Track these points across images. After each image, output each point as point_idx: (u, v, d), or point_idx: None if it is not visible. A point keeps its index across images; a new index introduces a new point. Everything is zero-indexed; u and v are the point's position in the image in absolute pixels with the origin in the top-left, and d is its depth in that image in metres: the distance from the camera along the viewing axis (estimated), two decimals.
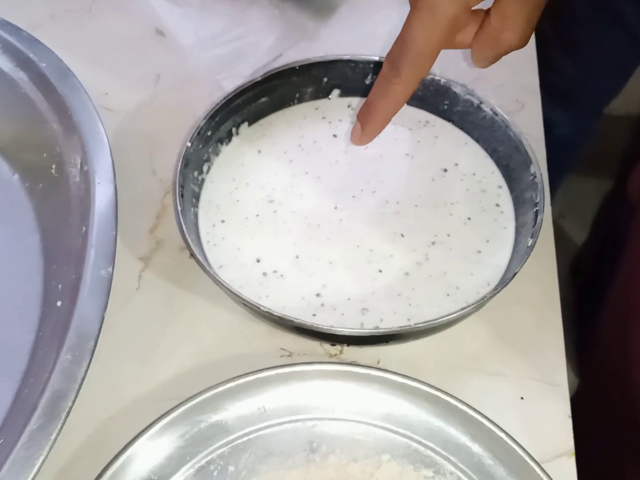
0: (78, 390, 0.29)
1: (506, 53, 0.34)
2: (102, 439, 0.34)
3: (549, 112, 0.83)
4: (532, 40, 0.53)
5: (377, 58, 0.44)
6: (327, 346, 0.37)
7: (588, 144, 1.02)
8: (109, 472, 0.31)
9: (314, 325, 0.34)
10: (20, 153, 0.43)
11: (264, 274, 0.38)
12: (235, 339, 0.37)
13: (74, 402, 0.29)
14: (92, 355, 0.30)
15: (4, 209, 0.42)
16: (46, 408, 0.28)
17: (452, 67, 0.47)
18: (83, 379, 0.29)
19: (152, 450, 0.32)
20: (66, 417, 0.28)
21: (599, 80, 0.79)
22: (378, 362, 0.37)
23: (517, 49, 0.34)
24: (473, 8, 0.32)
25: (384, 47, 0.47)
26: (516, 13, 0.32)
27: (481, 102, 0.43)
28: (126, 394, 0.35)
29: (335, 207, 0.41)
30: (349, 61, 0.44)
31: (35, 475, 0.28)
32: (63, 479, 0.33)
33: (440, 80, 0.44)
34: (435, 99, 0.45)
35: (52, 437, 0.28)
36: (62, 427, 0.28)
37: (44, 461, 0.27)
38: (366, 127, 0.36)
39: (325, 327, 0.34)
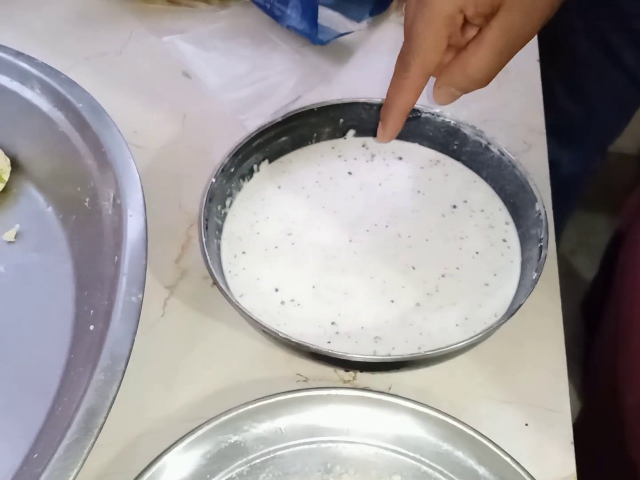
0: (110, 408, 0.31)
1: (466, 85, 0.37)
2: (129, 456, 0.36)
3: (555, 151, 0.86)
4: (538, 83, 0.55)
5: None
6: (341, 372, 0.39)
7: (594, 182, 1.04)
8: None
9: (329, 351, 0.36)
10: (55, 187, 0.46)
11: (282, 302, 0.41)
12: (255, 364, 0.40)
13: (105, 418, 0.31)
14: (123, 375, 0.32)
15: (38, 239, 0.45)
16: (81, 423, 0.31)
17: (463, 111, 0.49)
18: (115, 397, 0.31)
19: (176, 467, 0.34)
20: (99, 432, 0.30)
21: (602, 120, 0.81)
22: (390, 388, 0.39)
23: (479, 84, 0.37)
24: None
25: None
26: (493, 42, 0.35)
27: (489, 143, 0.45)
28: (151, 415, 0.37)
29: (350, 240, 0.44)
30: (364, 104, 0.47)
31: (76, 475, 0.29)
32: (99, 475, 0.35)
33: (450, 121, 0.47)
34: (446, 139, 0.47)
35: (86, 451, 0.30)
36: (95, 442, 0.30)
37: (78, 472, 0.29)
38: (386, 124, 0.40)
39: (339, 354, 0.36)
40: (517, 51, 0.37)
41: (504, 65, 0.37)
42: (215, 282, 0.39)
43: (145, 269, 0.36)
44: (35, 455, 0.33)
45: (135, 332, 0.33)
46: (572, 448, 0.36)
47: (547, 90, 0.56)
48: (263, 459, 0.36)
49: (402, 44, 0.38)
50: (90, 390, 0.31)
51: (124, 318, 0.34)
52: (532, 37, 0.37)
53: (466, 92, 0.39)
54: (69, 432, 0.30)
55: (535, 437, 0.37)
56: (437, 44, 0.36)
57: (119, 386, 0.32)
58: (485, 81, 0.37)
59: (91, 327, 0.36)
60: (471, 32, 0.37)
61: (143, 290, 0.35)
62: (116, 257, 0.36)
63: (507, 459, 0.34)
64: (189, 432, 0.35)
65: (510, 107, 0.54)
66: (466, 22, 0.36)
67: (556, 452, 0.36)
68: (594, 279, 1.19)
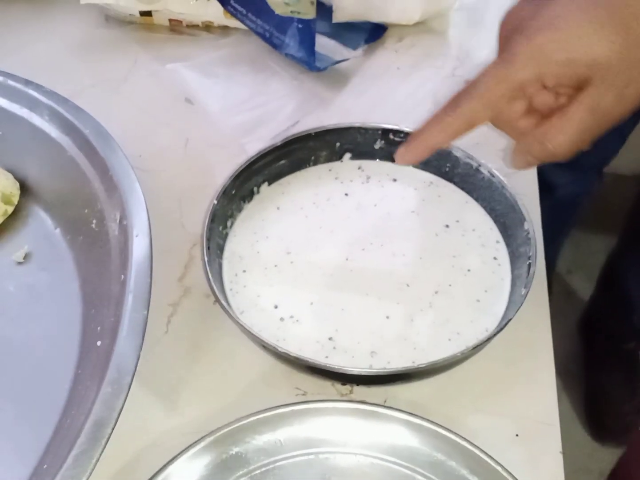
0: (117, 419, 0.33)
1: (544, 157, 0.35)
2: (134, 467, 0.37)
3: (552, 173, 0.88)
4: None
5: (384, 125, 0.49)
6: (338, 386, 0.41)
7: (591, 202, 1.06)
8: None
9: (327, 365, 0.38)
10: (63, 209, 0.48)
11: (282, 319, 0.42)
12: (255, 378, 0.41)
13: (113, 429, 0.32)
14: (129, 388, 0.34)
15: (46, 259, 0.46)
16: (89, 434, 0.32)
17: None
18: (121, 409, 0.33)
19: (180, 477, 0.36)
20: (106, 442, 0.32)
21: (599, 142, 0.83)
22: (385, 401, 0.40)
23: (557, 157, 0.35)
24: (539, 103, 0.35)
25: (390, 115, 0.52)
26: (578, 119, 0.33)
27: (479, 165, 0.47)
28: (155, 428, 0.39)
29: (347, 259, 0.45)
30: (359, 128, 0.49)
31: None
32: None
33: None
34: (439, 162, 0.49)
35: (94, 461, 0.31)
36: (103, 451, 0.31)
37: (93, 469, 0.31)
38: (411, 149, 0.38)
39: (336, 367, 0.38)
40: (604, 131, 0.35)
41: (587, 143, 0.35)
42: (217, 300, 0.41)
43: (151, 287, 0.37)
44: (44, 466, 0.34)
45: (140, 347, 0.35)
46: (561, 458, 0.38)
47: None
48: (263, 469, 0.37)
49: (468, 82, 0.36)
50: (98, 402, 0.33)
51: (130, 334, 0.35)
52: (622, 118, 0.35)
53: (543, 162, 0.37)
54: (77, 443, 0.32)
55: (526, 447, 0.38)
56: (494, 103, 0.35)
57: (126, 399, 0.33)
58: (564, 156, 0.35)
59: (98, 343, 0.37)
60: (561, 99, 0.35)
61: (148, 307, 0.37)
62: (122, 276, 0.38)
63: (499, 469, 0.35)
64: (192, 444, 0.36)
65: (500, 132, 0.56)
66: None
67: (546, 462, 0.38)
68: (590, 297, 1.20)
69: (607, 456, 1.04)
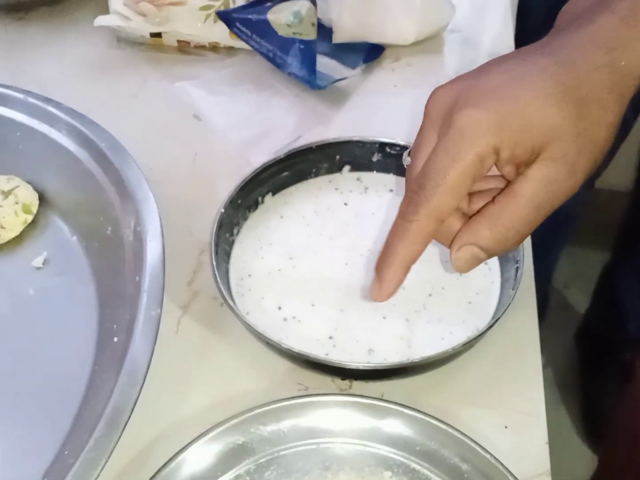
0: (134, 406, 0.35)
1: (494, 245, 0.32)
2: (147, 456, 0.40)
3: None
4: None
5: (381, 139, 0.52)
6: (338, 381, 0.43)
7: (586, 217, 1.09)
8: (160, 475, 0.37)
9: (327, 360, 0.40)
10: (79, 218, 0.51)
11: (284, 319, 0.45)
12: (260, 375, 0.44)
13: (130, 415, 0.35)
14: (145, 379, 0.36)
15: (63, 264, 0.49)
16: (108, 420, 0.35)
17: None
18: (137, 397, 0.36)
19: (189, 466, 0.38)
20: (124, 427, 0.34)
21: None
22: (382, 395, 0.43)
23: (509, 244, 0.32)
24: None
25: (387, 129, 0.55)
26: (530, 195, 0.30)
27: None
28: (165, 420, 0.41)
29: (346, 264, 0.48)
30: (357, 142, 0.52)
31: (97, 476, 0.33)
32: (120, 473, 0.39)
33: None
34: None
35: (114, 444, 0.34)
36: (121, 436, 0.34)
37: (105, 463, 0.33)
38: (384, 278, 0.33)
39: (336, 362, 0.40)
40: (556, 207, 0.32)
41: (540, 222, 0.32)
42: (224, 301, 0.44)
43: (164, 287, 0.40)
44: (65, 452, 0.37)
45: (155, 342, 0.38)
46: (547, 447, 0.40)
47: None
48: (268, 458, 0.39)
49: (409, 182, 0.33)
50: (116, 391, 0.36)
51: (145, 330, 0.38)
52: (574, 192, 0.32)
53: (492, 255, 0.32)
54: (97, 428, 0.34)
55: (514, 438, 0.41)
56: (459, 186, 0.30)
57: (141, 388, 0.36)
58: (517, 241, 0.32)
59: (115, 339, 0.40)
60: (479, 202, 0.33)
61: (161, 306, 0.39)
62: (137, 277, 0.41)
63: (489, 457, 0.38)
64: (199, 435, 0.39)
65: None
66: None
67: (533, 451, 0.40)
68: (586, 310, 1.23)
69: None
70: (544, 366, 0.44)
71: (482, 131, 0.30)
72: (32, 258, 0.49)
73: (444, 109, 0.32)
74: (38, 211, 0.51)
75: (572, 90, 0.31)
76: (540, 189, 0.31)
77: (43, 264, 0.49)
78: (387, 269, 0.32)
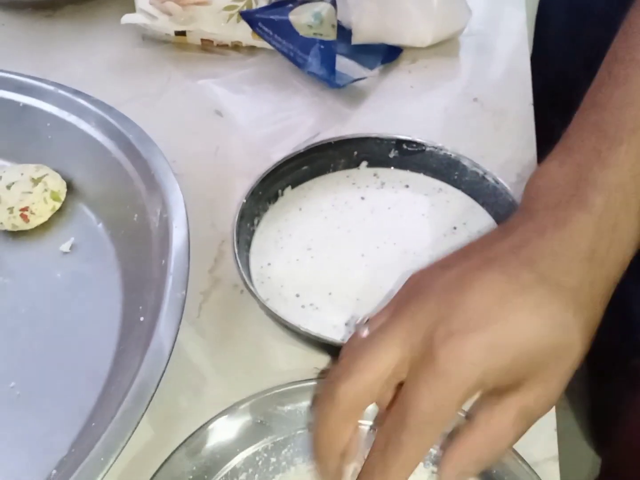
0: (159, 382, 0.37)
1: (474, 470, 0.32)
2: (170, 431, 0.41)
3: None
4: (531, 124, 0.62)
5: (398, 136, 0.54)
6: None
7: None
8: (177, 455, 0.38)
9: (343, 344, 0.42)
10: (105, 206, 0.52)
11: (303, 306, 0.47)
12: (277, 359, 0.45)
13: (156, 389, 0.37)
14: (170, 355, 0.38)
15: (90, 251, 0.51)
16: (134, 394, 0.36)
17: (462, 145, 0.56)
18: (163, 373, 0.37)
19: (209, 441, 0.40)
20: (150, 401, 0.36)
21: None
22: None
23: (485, 466, 0.32)
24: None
25: (404, 128, 0.57)
26: (512, 424, 0.30)
27: (485, 173, 0.52)
28: (187, 398, 0.43)
29: (362, 255, 0.50)
30: (375, 138, 0.54)
31: (123, 447, 0.35)
32: (143, 448, 0.40)
33: (451, 154, 0.53)
34: (448, 170, 0.54)
35: (140, 415, 0.35)
36: (147, 409, 0.36)
37: (131, 434, 0.35)
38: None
39: None
40: (531, 426, 0.32)
41: (517, 440, 0.32)
42: (245, 286, 0.45)
43: (188, 271, 0.42)
44: (93, 424, 0.39)
45: (180, 321, 0.39)
46: (555, 434, 0.41)
47: (549, 131, 0.62)
48: (285, 436, 0.41)
49: (385, 418, 0.31)
50: (143, 367, 0.37)
51: (171, 310, 0.40)
52: (542, 415, 0.32)
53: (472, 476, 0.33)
54: (124, 401, 0.36)
55: None
56: (445, 423, 0.30)
57: (167, 365, 0.38)
58: (489, 463, 0.33)
59: (141, 319, 0.42)
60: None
61: (186, 288, 0.41)
62: (163, 261, 0.43)
63: None
64: (222, 412, 0.40)
65: (505, 146, 0.61)
66: None
67: (541, 438, 0.41)
68: None
69: None
70: None
71: (470, 372, 0.29)
72: (59, 244, 0.51)
73: (422, 325, 0.30)
74: (65, 199, 0.53)
75: (560, 311, 0.30)
76: (520, 419, 0.31)
77: (70, 249, 0.51)
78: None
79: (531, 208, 0.34)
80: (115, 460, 0.34)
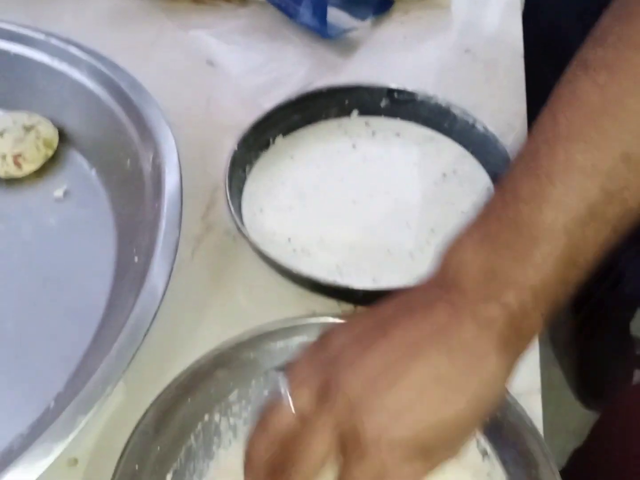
0: (153, 320, 0.38)
1: None
2: (164, 366, 0.42)
3: None
4: (522, 75, 0.62)
5: (389, 85, 0.54)
6: (344, 305, 0.46)
7: None
8: (168, 391, 0.39)
9: (334, 283, 0.43)
10: (98, 152, 0.53)
11: (294, 250, 0.47)
12: (270, 300, 0.46)
13: (149, 327, 0.37)
14: (164, 294, 0.39)
15: (83, 196, 0.51)
16: (129, 331, 0.37)
17: (453, 96, 0.56)
18: (157, 310, 0.38)
19: (202, 377, 0.41)
20: (144, 337, 0.37)
21: None
22: None
23: None
24: None
25: (394, 78, 0.57)
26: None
27: (475, 121, 0.52)
28: (181, 335, 0.44)
29: (354, 202, 0.50)
30: (367, 87, 0.54)
31: (118, 380, 0.36)
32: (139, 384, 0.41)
33: (442, 103, 0.54)
34: (439, 119, 0.54)
35: (133, 351, 0.36)
36: (140, 345, 0.37)
37: (125, 369, 0.36)
38: None
39: (342, 285, 0.43)
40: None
41: None
42: (238, 230, 0.46)
43: (181, 213, 0.43)
44: (88, 362, 0.40)
45: (173, 262, 0.40)
46: (538, 367, 0.43)
47: (540, 80, 0.61)
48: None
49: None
50: (137, 305, 0.38)
51: (165, 251, 0.41)
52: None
53: None
54: (120, 337, 0.37)
55: None
56: None
57: (160, 303, 0.39)
58: None
59: (135, 259, 0.42)
60: None
61: (179, 229, 0.42)
62: (156, 204, 0.43)
63: None
64: (215, 347, 0.41)
65: (496, 96, 0.61)
66: None
67: (525, 371, 0.42)
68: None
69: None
70: None
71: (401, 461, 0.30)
72: (52, 190, 0.51)
73: (347, 413, 0.31)
74: (58, 147, 0.53)
75: (472, 400, 0.32)
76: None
77: (64, 195, 0.51)
78: None
79: (450, 285, 0.34)
80: (112, 391, 0.35)
